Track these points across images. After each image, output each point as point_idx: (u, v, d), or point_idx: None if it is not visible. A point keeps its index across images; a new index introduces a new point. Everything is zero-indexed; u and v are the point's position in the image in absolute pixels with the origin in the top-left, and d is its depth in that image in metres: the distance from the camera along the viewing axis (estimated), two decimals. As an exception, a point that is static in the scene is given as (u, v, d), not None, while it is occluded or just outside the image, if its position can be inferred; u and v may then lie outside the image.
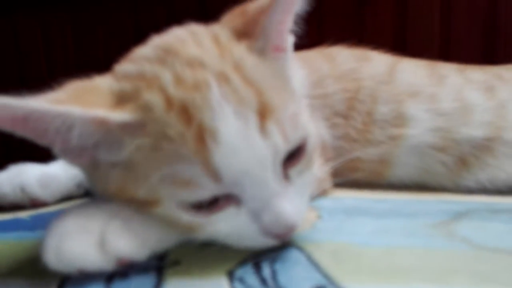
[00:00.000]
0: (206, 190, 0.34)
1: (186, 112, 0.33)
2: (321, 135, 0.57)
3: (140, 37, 0.43)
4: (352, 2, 1.13)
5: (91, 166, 0.37)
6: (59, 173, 0.58)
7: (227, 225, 0.36)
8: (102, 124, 0.34)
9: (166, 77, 0.35)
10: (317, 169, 0.45)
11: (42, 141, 0.34)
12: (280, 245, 0.38)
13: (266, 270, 0.34)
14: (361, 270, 0.35)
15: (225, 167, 0.33)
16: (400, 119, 0.59)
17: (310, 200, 0.42)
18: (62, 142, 0.34)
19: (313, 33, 0.46)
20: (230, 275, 0.34)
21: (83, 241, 0.33)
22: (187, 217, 0.35)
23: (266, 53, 0.38)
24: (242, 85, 0.35)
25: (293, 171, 0.37)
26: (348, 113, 0.60)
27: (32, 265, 0.37)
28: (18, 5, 1.41)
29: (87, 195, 0.57)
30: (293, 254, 0.37)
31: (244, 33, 0.38)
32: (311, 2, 0.42)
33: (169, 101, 0.34)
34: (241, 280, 0.33)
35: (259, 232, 0.35)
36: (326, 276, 0.33)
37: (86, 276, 0.33)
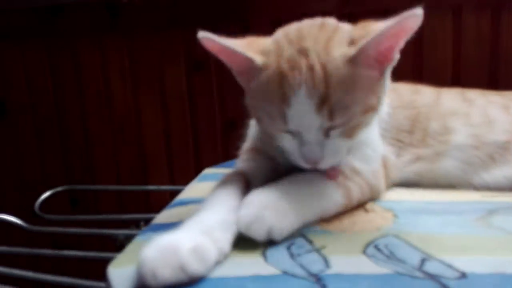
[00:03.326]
0: (278, 126, 0.63)
1: (281, 79, 0.60)
2: (386, 156, 0.79)
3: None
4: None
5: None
6: (206, 241, 0.51)
7: (286, 144, 0.65)
8: (249, 60, 0.63)
9: (284, 53, 0.62)
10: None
11: (228, 63, 0.67)
12: (379, 235, 0.59)
13: (385, 250, 0.55)
14: (443, 249, 0.55)
15: (290, 120, 0.61)
16: (446, 130, 0.84)
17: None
18: (236, 66, 0.66)
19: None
20: (364, 252, 0.55)
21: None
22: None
23: (356, 65, 0.60)
24: (321, 78, 0.58)
25: (333, 133, 0.62)
26: (411, 129, 0.84)
27: None
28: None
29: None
30: (393, 240, 0.58)
31: (354, 43, 0.61)
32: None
33: (278, 67, 0.61)
34: (373, 256, 0.54)
35: (298, 155, 0.64)
36: (424, 252, 0.54)
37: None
